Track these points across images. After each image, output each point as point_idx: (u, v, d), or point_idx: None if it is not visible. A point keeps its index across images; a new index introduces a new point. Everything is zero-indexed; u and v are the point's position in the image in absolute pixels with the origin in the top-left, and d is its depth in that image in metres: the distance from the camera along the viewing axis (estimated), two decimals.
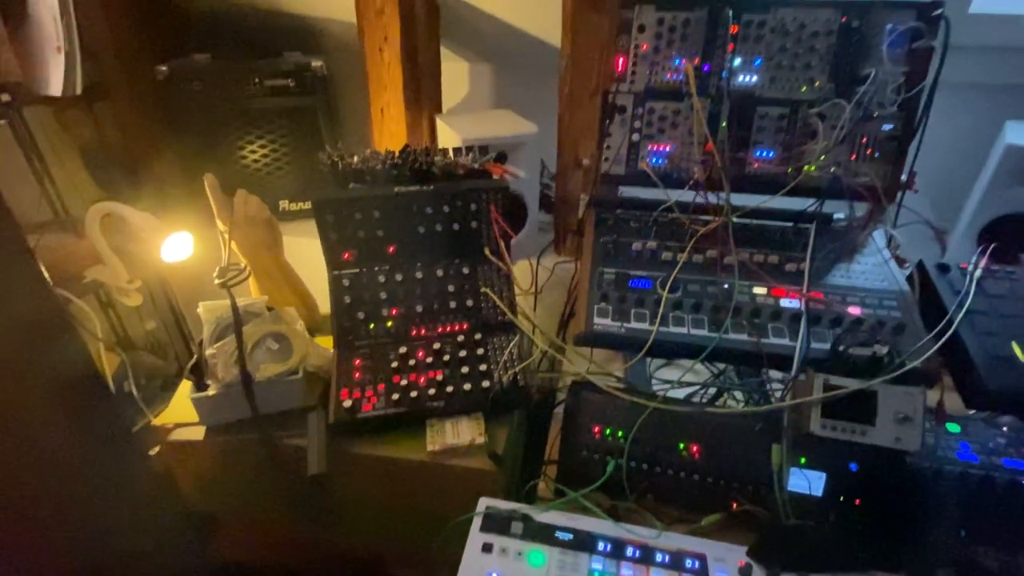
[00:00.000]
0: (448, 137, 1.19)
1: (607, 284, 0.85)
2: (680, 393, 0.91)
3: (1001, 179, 1.12)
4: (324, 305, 1.09)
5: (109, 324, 1.32)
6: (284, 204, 1.48)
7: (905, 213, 1.28)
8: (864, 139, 0.86)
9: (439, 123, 1.26)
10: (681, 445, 0.78)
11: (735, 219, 0.85)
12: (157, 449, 0.93)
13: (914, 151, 0.86)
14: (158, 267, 1.22)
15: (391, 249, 0.94)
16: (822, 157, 0.84)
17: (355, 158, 0.96)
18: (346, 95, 1.42)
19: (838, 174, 0.85)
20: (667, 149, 0.93)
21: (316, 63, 1.34)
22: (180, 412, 0.91)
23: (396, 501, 0.89)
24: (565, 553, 0.69)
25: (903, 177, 0.87)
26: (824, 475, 0.74)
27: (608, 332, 0.79)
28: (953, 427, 0.88)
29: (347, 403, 0.84)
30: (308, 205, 1.50)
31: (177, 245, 1.10)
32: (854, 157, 0.86)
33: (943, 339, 0.72)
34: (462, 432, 0.84)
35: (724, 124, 0.88)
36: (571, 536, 0.70)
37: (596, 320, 0.80)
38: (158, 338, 1.46)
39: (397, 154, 0.98)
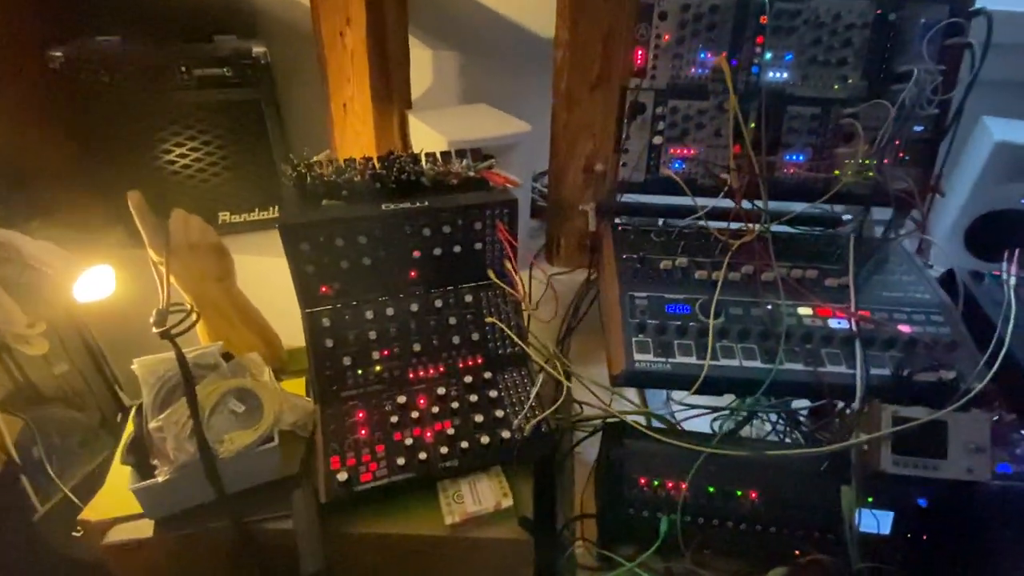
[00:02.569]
0: (426, 138, 1.04)
1: (641, 311, 0.74)
2: (705, 419, 0.83)
3: (990, 175, 1.13)
4: (286, 336, 0.92)
5: (9, 377, 1.06)
6: (224, 216, 1.26)
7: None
8: (897, 142, 0.80)
9: (412, 121, 1.09)
10: (739, 492, 0.69)
11: (773, 230, 0.77)
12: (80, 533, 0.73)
13: (944, 154, 0.81)
14: (70, 308, 0.98)
15: (379, 278, 0.78)
16: (866, 161, 0.78)
17: (328, 168, 0.79)
18: (294, 88, 1.22)
19: (877, 180, 0.78)
20: (691, 153, 0.83)
21: (258, 49, 1.13)
22: (115, 500, 0.71)
23: None
24: None
25: (932, 181, 0.83)
26: (891, 513, 0.68)
27: (653, 370, 0.69)
28: None
29: (341, 475, 0.68)
30: (252, 216, 1.29)
31: (95, 281, 0.87)
32: (888, 161, 0.81)
33: (999, 358, 0.68)
34: (484, 495, 0.72)
35: (753, 124, 0.79)
36: None
37: (637, 356, 0.70)
38: (72, 384, 1.20)
39: (377, 162, 0.82)
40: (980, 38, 0.74)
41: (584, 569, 0.69)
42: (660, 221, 0.89)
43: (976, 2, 0.75)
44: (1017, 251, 0.82)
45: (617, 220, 0.89)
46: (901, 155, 0.81)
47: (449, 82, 1.45)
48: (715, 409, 0.82)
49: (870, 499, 0.68)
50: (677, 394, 0.96)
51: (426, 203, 0.77)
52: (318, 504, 0.68)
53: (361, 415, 0.74)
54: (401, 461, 0.70)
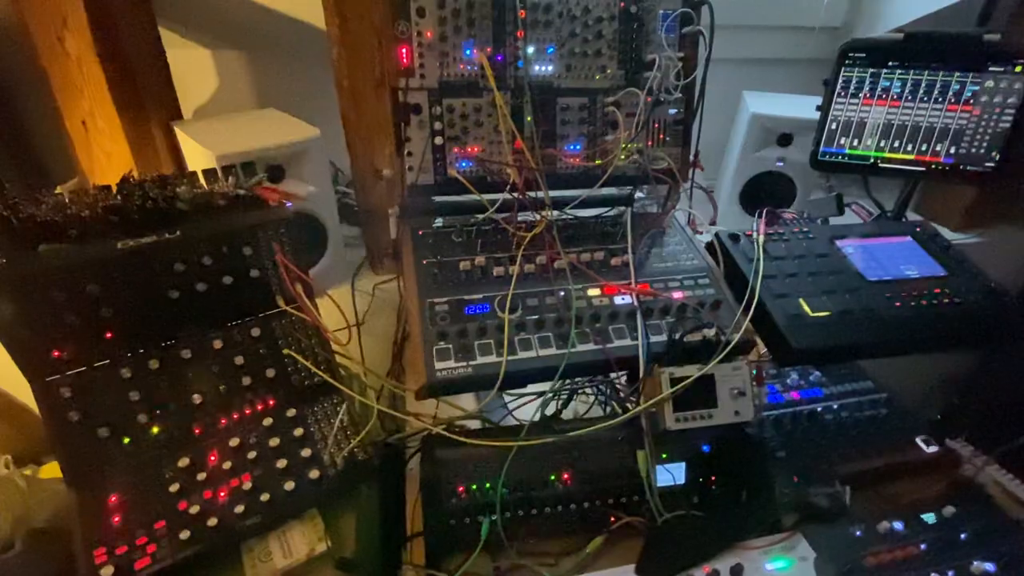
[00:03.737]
0: (197, 154, 0.91)
1: (441, 318, 0.73)
2: (533, 405, 0.85)
3: (750, 143, 1.30)
4: None
5: None
6: None
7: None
8: (656, 124, 0.88)
9: (180, 134, 0.96)
10: (553, 477, 0.72)
11: (556, 218, 0.80)
12: None
13: (697, 131, 0.90)
14: None
15: (132, 329, 0.66)
16: (630, 146, 0.83)
17: (42, 206, 0.65)
18: (25, 110, 1.00)
19: (640, 162, 0.85)
20: (475, 151, 0.83)
21: None
22: None
23: None
24: None
25: (691, 157, 0.92)
26: (683, 464, 0.75)
27: (455, 376, 0.68)
28: None
29: (107, 570, 0.58)
30: None
31: None
32: (650, 143, 0.88)
33: (751, 310, 0.78)
34: (294, 545, 0.66)
35: (530, 118, 0.81)
36: None
37: (438, 365, 0.68)
38: None
39: (115, 189, 0.69)
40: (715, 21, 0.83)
41: None
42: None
43: None
44: (765, 211, 0.95)
45: (422, 223, 0.87)
46: (662, 137, 0.89)
47: (237, 85, 1.30)
48: (539, 394, 0.85)
49: (664, 455, 0.75)
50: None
51: (177, 234, 0.67)
52: None
53: (132, 492, 0.64)
54: (185, 535, 0.61)
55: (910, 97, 0.85)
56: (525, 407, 0.89)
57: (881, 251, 0.92)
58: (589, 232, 0.89)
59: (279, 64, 1.26)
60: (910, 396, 0.96)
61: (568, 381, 0.91)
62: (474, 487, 0.70)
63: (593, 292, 0.79)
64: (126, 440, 0.66)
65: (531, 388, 0.84)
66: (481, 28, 0.77)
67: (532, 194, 0.80)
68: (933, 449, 0.87)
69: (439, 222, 0.85)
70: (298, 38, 1.20)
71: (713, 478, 0.77)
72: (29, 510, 0.62)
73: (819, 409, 0.92)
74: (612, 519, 0.73)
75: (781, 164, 1.27)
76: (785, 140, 1.24)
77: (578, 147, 0.86)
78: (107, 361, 0.66)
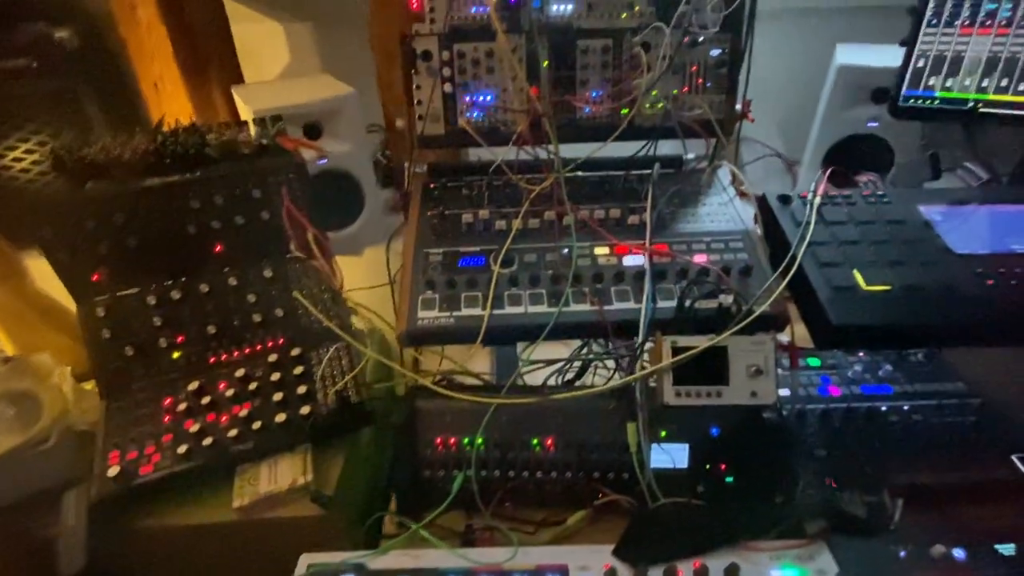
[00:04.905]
0: (245, 113, 0.98)
1: (433, 268, 0.71)
2: (546, 372, 0.81)
3: (837, 101, 1.11)
4: None
5: None
6: None
7: (756, 149, 1.25)
8: (695, 68, 0.78)
9: (235, 96, 1.03)
10: (535, 441, 0.68)
11: (569, 173, 0.75)
12: None
13: (746, 76, 0.79)
14: None
15: (158, 260, 0.73)
16: (654, 92, 0.75)
17: (92, 148, 0.74)
18: (112, 73, 1.14)
19: (668, 109, 0.76)
20: (487, 99, 0.79)
21: (60, 34, 1.04)
22: None
23: None
24: None
25: (738, 107, 0.80)
26: (687, 446, 0.67)
27: (436, 326, 0.66)
28: (814, 361, 0.85)
29: (113, 470, 0.65)
30: None
31: None
32: (687, 89, 0.78)
33: (788, 277, 0.67)
34: (280, 475, 0.69)
35: (545, 64, 0.75)
36: None
37: (421, 314, 0.67)
38: None
39: (152, 136, 0.76)
40: None
41: (388, 539, 0.67)
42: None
43: None
44: (830, 169, 0.81)
45: (439, 178, 0.85)
46: (701, 82, 0.79)
47: (305, 55, 1.39)
48: (551, 362, 0.80)
49: (663, 433, 0.67)
50: (539, 352, 0.95)
51: (197, 174, 0.72)
52: (88, 503, 0.64)
53: (150, 406, 0.70)
54: (183, 449, 0.66)
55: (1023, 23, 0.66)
56: (542, 373, 0.85)
57: (985, 221, 0.74)
58: (612, 189, 0.81)
59: (338, 32, 1.32)
60: (1015, 406, 0.77)
61: (588, 351, 0.86)
62: (452, 441, 0.68)
63: (601, 251, 0.72)
64: (151, 361, 0.73)
65: (550, 355, 0.80)
66: None
67: (544, 148, 0.75)
68: None
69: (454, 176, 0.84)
70: (355, 4, 1.24)
71: (723, 466, 0.68)
72: (71, 414, 0.71)
73: (883, 408, 0.77)
74: (601, 495, 0.67)
75: (875, 124, 1.08)
76: (880, 96, 1.05)
77: (599, 94, 0.79)
78: (136, 289, 0.73)
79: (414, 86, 0.78)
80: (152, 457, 0.67)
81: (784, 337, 0.67)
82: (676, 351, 0.62)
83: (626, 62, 0.78)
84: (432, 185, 0.83)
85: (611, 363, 0.84)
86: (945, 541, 0.60)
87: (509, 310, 0.67)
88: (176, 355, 0.74)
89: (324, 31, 1.38)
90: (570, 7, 0.75)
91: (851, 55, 1.11)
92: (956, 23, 0.70)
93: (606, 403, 0.67)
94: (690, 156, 0.90)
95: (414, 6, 0.75)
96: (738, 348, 0.63)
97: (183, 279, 0.74)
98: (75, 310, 0.85)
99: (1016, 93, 0.68)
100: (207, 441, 0.67)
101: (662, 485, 0.65)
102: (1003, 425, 0.74)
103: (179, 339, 0.74)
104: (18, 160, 1.12)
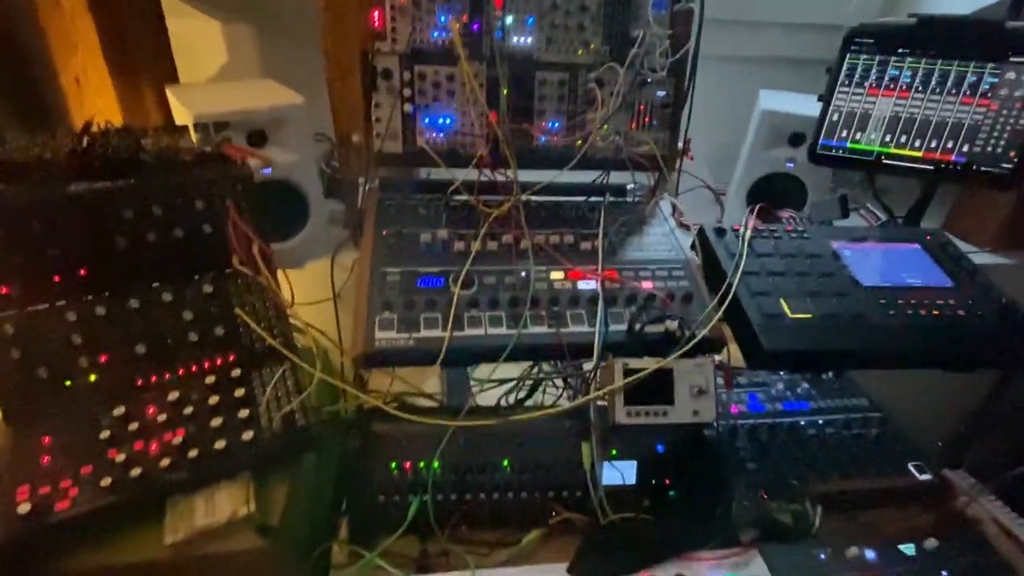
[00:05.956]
0: (181, 115, 0.92)
1: (391, 288, 0.70)
2: (497, 392, 0.82)
3: (760, 142, 1.23)
4: None
5: None
6: None
7: (688, 180, 1.35)
8: (642, 107, 0.83)
9: (170, 97, 0.97)
10: (495, 463, 0.68)
11: (527, 198, 0.77)
12: None
13: (687, 117, 0.86)
14: None
15: (81, 273, 0.67)
16: (604, 127, 0.80)
17: (8, 146, 0.66)
18: (36, 64, 1.03)
19: (619, 143, 0.81)
20: (447, 122, 0.80)
21: None
22: None
23: None
24: None
25: (680, 144, 0.87)
26: (635, 463, 0.71)
27: (394, 347, 0.65)
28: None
29: (23, 507, 0.57)
30: None
31: None
32: (634, 126, 0.83)
33: (724, 304, 0.73)
34: (219, 506, 0.64)
35: (505, 91, 0.78)
36: None
37: (378, 335, 0.66)
38: None
39: (79, 137, 0.70)
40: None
41: (336, 568, 0.65)
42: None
43: None
44: (758, 206, 0.89)
45: (394, 196, 0.85)
46: (648, 120, 0.85)
47: (245, 58, 1.32)
48: (502, 381, 0.81)
49: (614, 452, 0.70)
50: (480, 373, 0.95)
51: (131, 181, 0.67)
52: None
53: (65, 435, 0.63)
54: (106, 482, 0.60)
55: (920, 88, 0.78)
56: (492, 393, 0.86)
57: (883, 257, 0.84)
58: (565, 216, 0.85)
59: (283, 38, 1.27)
60: (910, 419, 0.88)
61: (538, 371, 0.88)
62: (407, 465, 0.67)
63: (556, 275, 0.75)
64: (66, 384, 0.66)
65: (501, 375, 0.81)
66: None
67: (502, 172, 0.77)
68: (926, 477, 0.79)
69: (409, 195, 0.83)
70: (302, 11, 1.20)
71: (667, 481, 0.72)
72: None
73: (802, 423, 0.85)
74: (553, 514, 0.69)
75: (791, 165, 1.20)
76: (796, 140, 1.17)
77: (556, 125, 0.83)
78: (54, 303, 0.66)
79: (373, 103, 0.77)
80: (69, 491, 0.60)
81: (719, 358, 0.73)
82: (627, 372, 0.66)
83: (580, 96, 0.82)
84: (387, 203, 0.82)
85: (559, 383, 0.87)
86: (858, 543, 0.67)
87: (469, 332, 0.68)
88: (93, 377, 0.67)
89: (265, 34, 1.32)
90: (530, 39, 0.79)
91: (773, 101, 1.24)
92: (865, 84, 0.80)
93: (560, 423, 0.69)
94: (631, 186, 0.97)
95: (376, 24, 0.74)
96: (683, 369, 0.67)
97: (107, 294, 0.68)
98: None
99: (912, 148, 0.79)
100: (135, 472, 0.62)
101: (612, 501, 0.68)
102: (901, 436, 0.84)
103: (102, 359, 0.67)
104: None
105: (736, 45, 1.37)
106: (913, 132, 0.81)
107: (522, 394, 0.87)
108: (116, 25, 0.89)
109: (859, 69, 0.81)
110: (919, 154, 0.82)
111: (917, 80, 0.78)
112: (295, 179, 0.99)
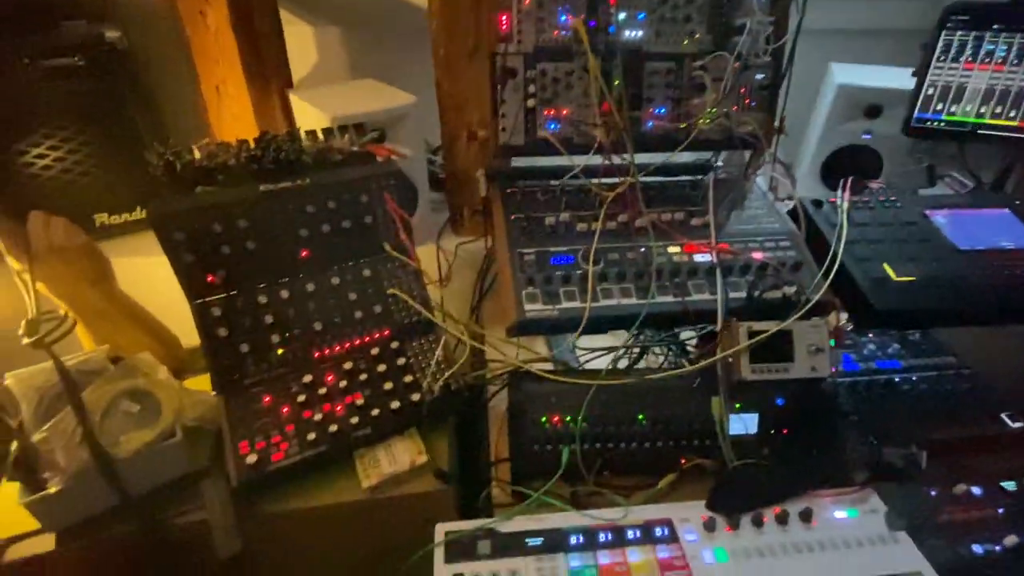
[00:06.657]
0: (310, 117, 1.01)
1: (529, 266, 0.79)
2: (604, 359, 0.90)
3: (835, 115, 1.27)
4: (184, 335, 0.89)
5: None
6: (102, 218, 1.17)
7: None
8: (743, 90, 0.89)
9: (294, 100, 1.07)
10: (631, 417, 0.77)
11: (643, 179, 0.84)
12: None
13: (783, 97, 0.91)
14: None
15: (269, 261, 0.77)
16: (712, 110, 0.86)
17: (197, 153, 0.77)
18: (162, 74, 1.14)
19: (728, 125, 0.87)
20: (563, 113, 0.88)
21: (112, 33, 1.04)
22: (6, 520, 0.68)
23: (340, 555, 0.76)
24: (541, 560, 0.64)
25: (776, 123, 0.93)
26: (756, 415, 0.79)
27: (542, 317, 0.74)
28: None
29: (250, 457, 0.69)
30: (133, 216, 1.21)
31: None
32: (736, 108, 0.89)
33: (832, 271, 0.79)
34: (399, 456, 0.75)
35: (617, 82, 0.85)
36: (542, 540, 0.66)
37: (527, 307, 0.75)
38: None
39: (253, 143, 0.80)
40: None
41: (500, 507, 0.75)
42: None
43: None
44: (849, 179, 0.94)
45: (509, 184, 0.93)
46: (748, 102, 0.90)
47: (335, 58, 1.41)
48: (610, 349, 0.90)
49: (738, 405, 0.78)
50: (581, 341, 1.04)
51: (307, 180, 0.76)
52: (229, 489, 0.68)
53: (267, 399, 0.75)
54: (312, 436, 0.72)
55: (1016, 61, 0.82)
56: (597, 361, 0.95)
57: (975, 222, 0.89)
58: (670, 195, 0.92)
59: (375, 38, 1.36)
60: (1000, 375, 0.94)
61: (639, 337, 0.96)
62: (556, 419, 0.76)
63: (673, 249, 0.83)
64: (260, 357, 0.77)
65: (602, 344, 0.89)
66: None
67: (617, 157, 0.85)
68: (1018, 425, 0.85)
69: (528, 182, 0.91)
70: (388, 12, 1.28)
71: (785, 431, 0.80)
72: (184, 409, 0.75)
73: (896, 379, 0.92)
74: (683, 460, 0.78)
75: (868, 136, 1.24)
76: (873, 112, 1.21)
77: (663, 110, 0.89)
78: (246, 289, 0.77)
79: (499, 100, 0.85)
80: (281, 446, 0.71)
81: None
82: (752, 334, 0.73)
83: (686, 82, 0.88)
84: (509, 191, 0.90)
85: (657, 351, 0.95)
86: (964, 482, 0.74)
87: (604, 303, 0.76)
88: (281, 352, 0.78)
89: (355, 35, 1.41)
90: (640, 33, 0.85)
91: (846, 75, 1.27)
92: (960, 59, 0.85)
93: (688, 382, 0.78)
94: (719, 164, 1.03)
95: (503, 27, 0.82)
96: (801, 330, 0.75)
97: (293, 278, 0.79)
98: (151, 311, 0.88)
99: (1007, 118, 0.84)
100: (332, 428, 0.73)
101: (735, 450, 0.76)
102: (990, 389, 0.90)
103: (286, 336, 0.78)
104: (42, 157, 1.10)
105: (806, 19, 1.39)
106: (1009, 102, 0.85)
107: (624, 362, 0.95)
108: (252, 39, 0.99)
109: (955, 44, 0.85)
110: (1015, 123, 0.86)
111: (1012, 54, 0.82)
112: (409, 172, 1.08)
